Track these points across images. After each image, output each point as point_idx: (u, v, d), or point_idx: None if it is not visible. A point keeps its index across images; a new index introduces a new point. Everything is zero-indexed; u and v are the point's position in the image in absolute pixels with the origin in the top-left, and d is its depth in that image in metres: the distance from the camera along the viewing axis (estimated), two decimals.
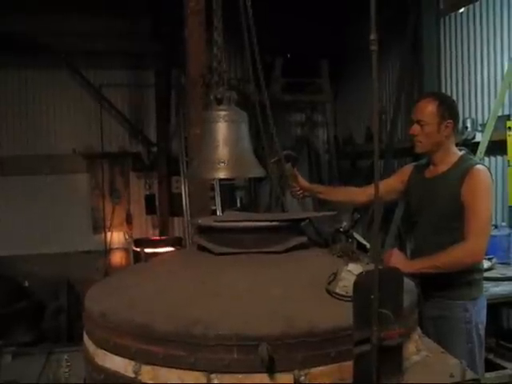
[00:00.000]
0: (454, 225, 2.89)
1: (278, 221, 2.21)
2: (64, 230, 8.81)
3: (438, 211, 2.96)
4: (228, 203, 7.69)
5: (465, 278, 2.92)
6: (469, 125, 5.71)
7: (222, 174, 2.39)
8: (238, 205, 8.49)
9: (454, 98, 5.75)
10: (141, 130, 9.31)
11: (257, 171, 2.46)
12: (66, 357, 2.39)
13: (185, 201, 7.63)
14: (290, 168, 3.19)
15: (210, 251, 2.19)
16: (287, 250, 2.16)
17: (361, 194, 3.29)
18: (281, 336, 1.64)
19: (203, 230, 2.32)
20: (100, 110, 9.07)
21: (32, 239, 8.54)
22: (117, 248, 9.20)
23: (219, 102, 2.41)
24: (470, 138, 5.60)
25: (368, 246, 2.42)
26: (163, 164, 9.02)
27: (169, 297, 1.89)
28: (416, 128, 3.01)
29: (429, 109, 2.96)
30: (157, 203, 9.23)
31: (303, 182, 3.35)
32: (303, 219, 2.34)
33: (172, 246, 7.87)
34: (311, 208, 4.69)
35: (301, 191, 3.34)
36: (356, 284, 1.61)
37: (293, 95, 8.64)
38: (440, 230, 2.94)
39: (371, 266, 1.64)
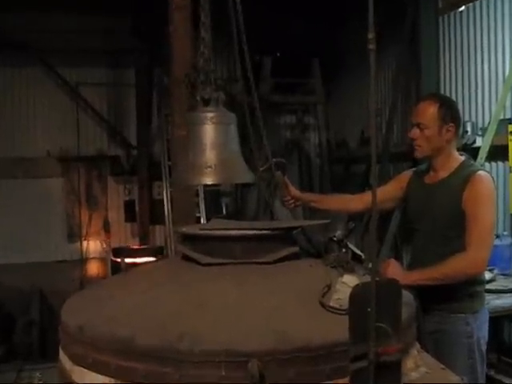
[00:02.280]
0: (454, 234, 2.89)
1: (267, 229, 2.20)
2: (37, 238, 8.75)
3: (437, 219, 2.97)
4: (213, 210, 7.67)
5: (466, 290, 2.93)
6: (469, 128, 5.75)
7: (209, 180, 2.39)
8: (224, 212, 8.47)
9: (454, 99, 5.79)
10: (120, 131, 9.29)
11: (246, 177, 2.47)
12: (38, 374, 2.36)
13: (167, 207, 7.62)
14: (280, 176, 3.18)
15: (195, 261, 2.16)
16: (278, 261, 2.15)
17: (357, 202, 3.30)
18: (272, 351, 1.63)
19: (188, 239, 2.29)
20: (76, 110, 9.04)
21: (2, 247, 8.46)
22: (93, 258, 9.15)
23: (206, 102, 2.41)
24: (469, 142, 5.64)
25: (363, 256, 2.41)
26: (144, 168, 9.00)
27: (152, 309, 1.86)
28: (415, 132, 3.01)
29: (429, 111, 2.96)
30: (137, 210, 9.20)
31: (294, 190, 3.34)
32: (294, 228, 2.34)
33: (153, 255, 7.84)
34: (302, 216, 4.67)
35: (292, 200, 3.33)
36: (352, 296, 1.59)
37: (282, 96, 8.70)
38: (440, 239, 2.95)
39: (367, 278, 1.63)
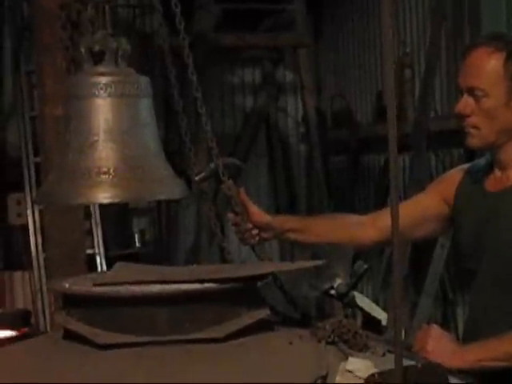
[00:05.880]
0: None
1: (214, 281, 1.72)
2: None
3: (510, 253, 2.20)
4: (118, 243, 5.80)
5: None
6: None
7: (104, 196, 1.88)
8: (138, 245, 6.31)
9: None
10: None
11: (172, 189, 1.92)
12: None
13: (34, 241, 5.26)
14: (231, 187, 2.26)
15: (86, 341, 1.66)
16: (232, 336, 1.68)
17: (369, 228, 2.47)
18: None
19: (73, 302, 1.77)
20: None
21: None
22: None
23: (97, 57, 1.85)
24: None
25: (384, 320, 2.04)
26: None
27: None
28: (467, 103, 2.21)
29: (490, 66, 2.19)
30: None
31: (258, 213, 2.39)
32: (262, 276, 1.84)
33: (12, 327, 5.34)
34: (275, 254, 4.08)
35: (255, 230, 2.37)
36: None
37: (238, 36, 5.90)
38: None
39: (390, 361, 1.41)
